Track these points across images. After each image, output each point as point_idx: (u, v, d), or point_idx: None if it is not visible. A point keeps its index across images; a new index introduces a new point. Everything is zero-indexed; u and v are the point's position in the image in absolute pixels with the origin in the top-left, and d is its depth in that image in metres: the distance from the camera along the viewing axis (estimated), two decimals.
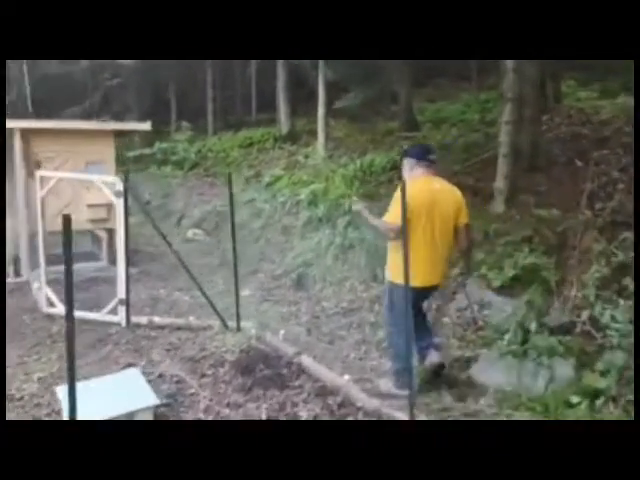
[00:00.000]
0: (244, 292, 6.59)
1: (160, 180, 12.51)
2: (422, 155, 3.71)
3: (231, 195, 5.00)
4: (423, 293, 3.75)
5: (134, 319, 5.25)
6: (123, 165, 13.24)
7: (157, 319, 5.27)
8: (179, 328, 5.13)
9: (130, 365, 4.32)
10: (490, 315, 4.69)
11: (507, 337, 4.04)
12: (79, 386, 3.22)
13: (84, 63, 12.34)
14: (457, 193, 3.77)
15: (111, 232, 6.92)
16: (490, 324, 4.57)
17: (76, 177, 5.45)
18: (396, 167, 8.62)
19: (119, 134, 7.20)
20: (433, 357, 3.86)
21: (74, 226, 6.42)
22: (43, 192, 5.14)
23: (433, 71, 13.44)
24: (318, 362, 4.31)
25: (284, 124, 12.89)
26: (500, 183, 6.18)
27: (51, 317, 5.37)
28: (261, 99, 15.40)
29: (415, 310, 3.64)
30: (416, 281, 3.40)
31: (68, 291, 2.12)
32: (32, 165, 6.60)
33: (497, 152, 6.38)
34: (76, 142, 6.72)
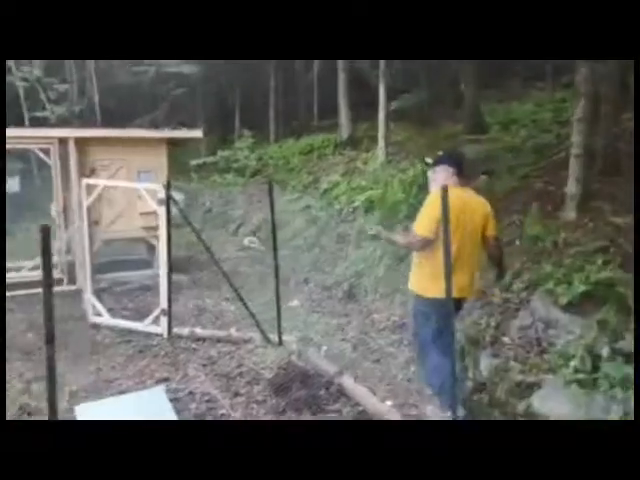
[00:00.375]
0: (292, 302, 6.36)
1: (221, 188, 12.58)
2: (461, 164, 3.53)
3: (272, 204, 4.77)
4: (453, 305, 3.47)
5: (176, 330, 5.11)
6: (187, 173, 13.49)
7: (199, 330, 5.10)
8: (219, 340, 4.94)
9: (164, 380, 4.16)
10: (556, 336, 4.16)
11: (574, 363, 3.53)
12: (101, 403, 3.07)
13: (151, 73, 12.59)
14: (485, 204, 3.56)
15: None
16: (555, 347, 4.05)
17: (121, 185, 5.40)
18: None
19: (174, 143, 7.16)
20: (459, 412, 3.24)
21: (127, 234, 6.43)
22: (89, 200, 5.11)
23: (503, 73, 12.77)
24: (361, 383, 3.97)
25: (345, 129, 12.62)
26: (572, 187, 5.58)
27: (97, 326, 5.33)
28: (324, 105, 15.20)
29: (443, 325, 3.30)
30: (444, 292, 3.11)
31: (47, 306, 1.92)
32: (87, 173, 6.66)
33: (569, 153, 5.80)
34: (129, 150, 6.73)
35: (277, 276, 4.82)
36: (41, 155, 6.16)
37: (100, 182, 5.05)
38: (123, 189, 6.83)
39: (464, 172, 3.56)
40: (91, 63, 12.88)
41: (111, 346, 4.96)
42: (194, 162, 13.04)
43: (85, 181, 5.07)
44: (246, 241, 9.52)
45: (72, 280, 6.68)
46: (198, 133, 6.88)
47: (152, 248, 7.61)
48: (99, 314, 5.34)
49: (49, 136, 6.19)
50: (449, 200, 2.89)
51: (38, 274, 6.44)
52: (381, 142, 10.27)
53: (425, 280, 3.38)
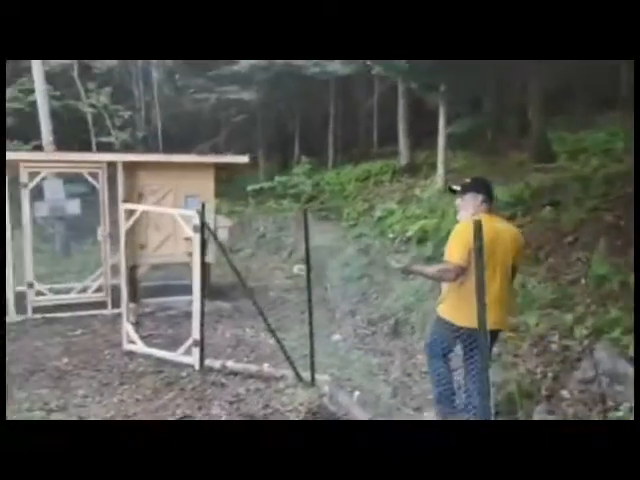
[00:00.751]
0: (335, 337, 6.04)
1: (277, 213, 12.50)
2: (491, 191, 3.46)
3: (306, 234, 4.51)
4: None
5: (208, 362, 4.90)
6: (246, 199, 13.53)
7: (231, 364, 4.86)
8: (251, 376, 4.68)
9: (185, 417, 3.93)
10: (622, 393, 3.63)
11: None
12: None
13: (212, 100, 12.81)
14: (518, 234, 3.48)
15: (209, 266, 6.79)
16: (622, 405, 3.52)
17: (158, 210, 5.30)
18: (523, 201, 7.66)
19: (222, 168, 7.10)
20: None
21: (173, 258, 6.33)
22: (128, 225, 5.04)
23: (571, 99, 12.09)
24: None
25: (404, 156, 12.31)
26: None
27: (131, 354, 5.21)
28: (384, 132, 14.97)
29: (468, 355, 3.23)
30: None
31: None
32: (135, 198, 6.68)
33: None
34: (177, 175, 6.70)
35: (311, 313, 4.53)
36: (90, 179, 6.22)
37: (138, 207, 4.98)
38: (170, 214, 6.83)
39: (492, 199, 3.47)
40: (154, 90, 13.34)
41: (142, 376, 4.80)
42: (250, 187, 13.05)
43: (123, 206, 5.02)
44: (295, 269, 9.30)
45: (117, 304, 6.64)
46: (244, 159, 6.78)
47: None
48: (133, 342, 5.22)
49: (98, 160, 6.26)
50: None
51: (86, 296, 6.47)
52: (440, 169, 9.90)
53: (459, 308, 3.21)
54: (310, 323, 4.51)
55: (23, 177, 5.97)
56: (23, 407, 4.02)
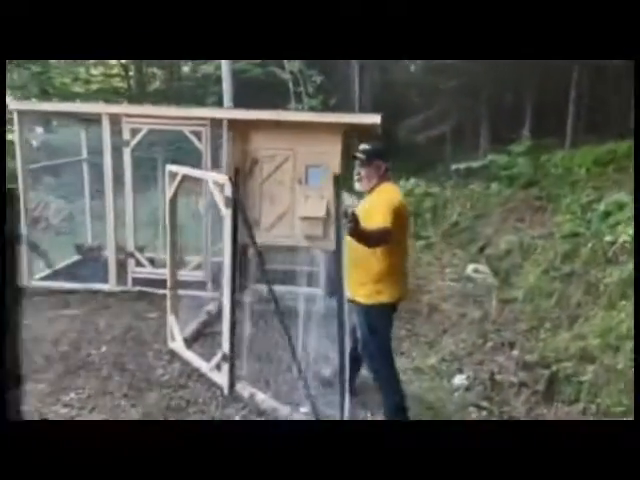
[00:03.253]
0: (457, 379, 4.12)
1: (479, 199, 10.36)
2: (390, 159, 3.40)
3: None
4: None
5: (240, 386, 3.58)
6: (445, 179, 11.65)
7: (260, 397, 3.45)
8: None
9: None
10: None
11: None
12: None
13: (420, 65, 11.07)
14: None
15: (330, 255, 5.43)
16: None
17: (196, 175, 3.98)
18: None
19: (355, 131, 5.55)
20: None
21: (288, 241, 5.15)
22: (171, 193, 3.94)
23: None
24: None
25: None
26: None
27: (172, 355, 4.17)
28: None
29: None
30: (396, 296, 3.23)
31: None
32: (248, 164, 5.62)
33: None
34: (298, 139, 5.38)
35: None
36: (193, 139, 5.33)
37: (180, 170, 3.84)
38: (290, 185, 5.63)
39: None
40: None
41: (166, 385, 3.71)
42: (454, 166, 11.09)
43: (168, 168, 3.93)
44: (470, 269, 7.24)
45: (219, 284, 5.73)
46: (375, 119, 5.11)
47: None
48: (173, 337, 4.18)
49: (201, 117, 5.31)
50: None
51: (184, 274, 5.69)
52: None
53: (382, 283, 3.13)
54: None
55: (125, 134, 5.36)
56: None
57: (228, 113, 5.43)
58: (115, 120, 5.42)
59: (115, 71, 20.65)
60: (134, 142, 5.41)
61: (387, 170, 3.26)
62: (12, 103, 5.59)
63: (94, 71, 20.53)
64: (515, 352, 4.63)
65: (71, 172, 7.59)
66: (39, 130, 8.72)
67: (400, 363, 4.38)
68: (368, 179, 3.22)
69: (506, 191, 10.35)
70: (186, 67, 19.20)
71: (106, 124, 5.39)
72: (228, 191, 3.34)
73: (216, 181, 3.49)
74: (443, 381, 4.15)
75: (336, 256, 2.62)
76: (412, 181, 11.26)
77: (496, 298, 6.21)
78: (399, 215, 3.01)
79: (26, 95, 13.32)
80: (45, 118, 8.22)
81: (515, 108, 13.13)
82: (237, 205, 3.32)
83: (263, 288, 5.75)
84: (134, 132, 5.39)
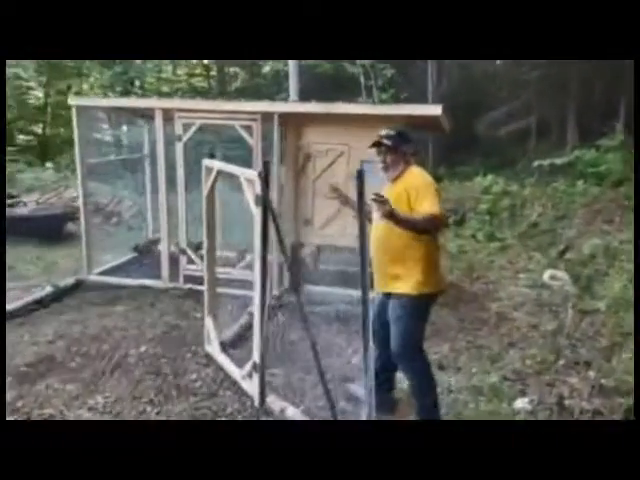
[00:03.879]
0: (519, 404, 3.64)
1: (562, 198, 9.54)
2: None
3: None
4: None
5: (270, 400, 3.32)
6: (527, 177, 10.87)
7: (291, 412, 3.17)
8: None
9: None
10: None
11: None
12: None
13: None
14: None
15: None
16: None
17: (229, 170, 3.71)
18: None
19: (416, 124, 5.13)
20: None
21: (339, 241, 4.88)
22: (207, 188, 3.74)
23: None
24: None
25: None
26: None
27: (209, 359, 3.99)
28: None
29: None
30: (440, 286, 3.12)
31: None
32: (302, 160, 5.37)
33: None
34: (353, 133, 5.07)
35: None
36: (243, 134, 5.13)
37: (214, 164, 3.61)
38: (344, 181, 5.32)
39: None
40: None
41: (195, 392, 3.53)
42: (537, 163, 10.29)
43: (205, 162, 3.72)
44: (546, 275, 6.59)
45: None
46: (436, 110, 4.66)
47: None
48: (210, 342, 3.99)
49: (251, 111, 5.09)
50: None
51: (236, 272, 5.53)
52: None
53: (430, 274, 2.98)
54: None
55: (178, 128, 5.26)
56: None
57: (278, 106, 5.18)
58: (168, 115, 5.34)
59: (198, 71, 21.16)
60: (186, 137, 5.30)
61: (413, 154, 3.09)
62: (71, 99, 5.65)
63: (179, 71, 21.17)
64: (591, 373, 4.07)
65: (140, 168, 7.70)
66: (104, 126, 8.93)
67: (455, 380, 4.00)
68: (394, 166, 3.03)
69: (593, 190, 9.48)
70: (267, 67, 19.33)
71: (159, 119, 5.33)
72: (258, 188, 3.09)
73: (247, 177, 3.24)
74: (502, 404, 3.68)
75: (360, 253, 2.44)
76: (489, 178, 10.59)
77: (574, 308, 5.57)
78: (440, 199, 2.87)
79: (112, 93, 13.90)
80: (116, 115, 8.38)
81: (607, 100, 12.02)
82: (267, 203, 3.06)
83: (313, 289, 5.54)
84: (186, 127, 5.28)
